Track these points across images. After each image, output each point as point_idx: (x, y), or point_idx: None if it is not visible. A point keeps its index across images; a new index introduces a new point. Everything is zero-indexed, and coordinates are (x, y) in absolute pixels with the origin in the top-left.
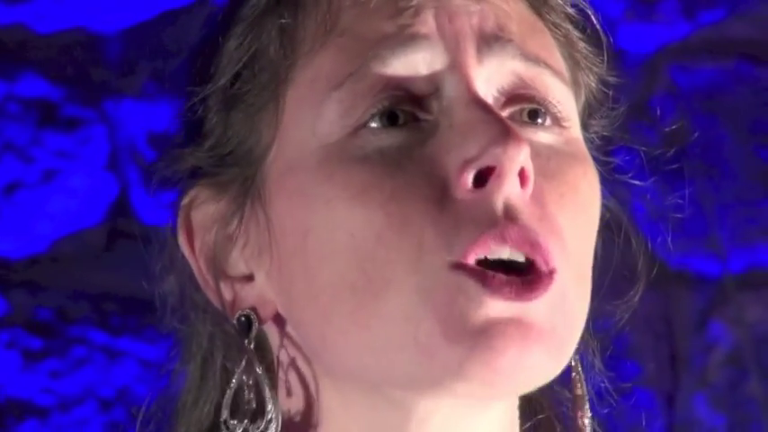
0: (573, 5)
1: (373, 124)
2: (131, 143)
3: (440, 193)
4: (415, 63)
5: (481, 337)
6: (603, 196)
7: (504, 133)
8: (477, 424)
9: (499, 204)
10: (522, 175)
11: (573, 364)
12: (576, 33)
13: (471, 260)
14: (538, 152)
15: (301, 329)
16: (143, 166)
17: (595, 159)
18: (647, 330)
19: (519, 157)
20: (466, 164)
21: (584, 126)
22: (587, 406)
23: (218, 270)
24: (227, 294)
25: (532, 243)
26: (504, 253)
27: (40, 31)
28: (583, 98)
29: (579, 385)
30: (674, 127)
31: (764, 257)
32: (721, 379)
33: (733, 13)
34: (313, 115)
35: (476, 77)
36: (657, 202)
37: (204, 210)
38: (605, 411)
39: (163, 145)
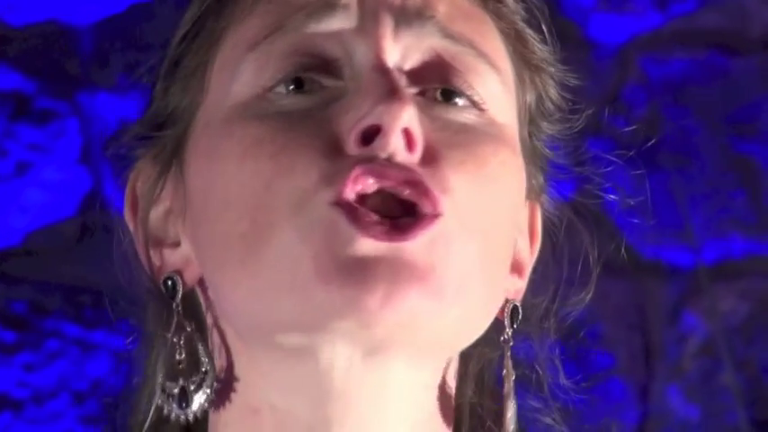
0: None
1: (281, 89)
2: (105, 136)
3: (330, 148)
4: (330, 30)
5: (351, 275)
6: (576, 188)
7: (390, 93)
8: (383, 391)
9: (383, 154)
10: (409, 138)
11: (507, 352)
12: (529, 33)
13: (349, 195)
14: (446, 126)
15: (210, 286)
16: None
17: (567, 151)
18: (621, 321)
19: (401, 115)
20: (353, 125)
21: (534, 125)
22: (511, 401)
23: (153, 238)
24: (157, 260)
25: (416, 183)
26: (377, 199)
27: (12, 23)
28: (529, 97)
29: (507, 375)
30: (645, 118)
31: (737, 248)
32: (695, 370)
33: (704, 3)
34: (230, 77)
35: (387, 48)
36: (630, 193)
37: (144, 179)
38: (578, 402)
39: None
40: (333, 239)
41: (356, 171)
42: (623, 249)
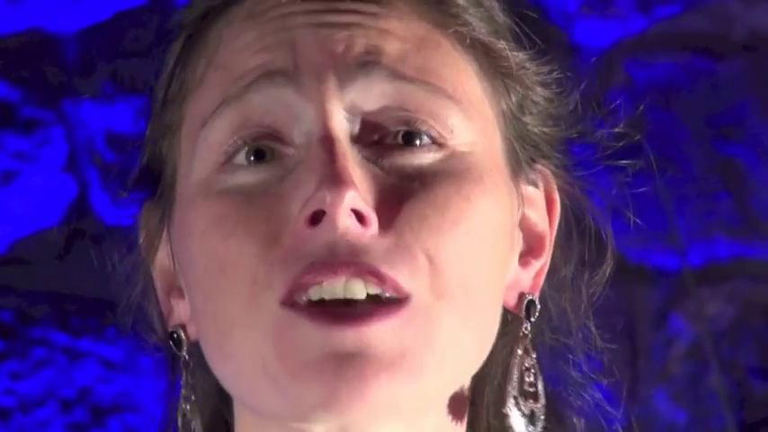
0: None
1: (237, 161)
2: (90, 144)
3: (278, 230)
4: (275, 98)
5: (318, 372)
6: (562, 190)
7: (332, 176)
8: None
9: (321, 247)
10: (358, 215)
11: (518, 356)
12: (499, 42)
13: (301, 297)
14: (402, 174)
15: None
16: (101, 167)
17: (551, 154)
18: (607, 325)
19: (342, 202)
20: (303, 206)
21: (520, 124)
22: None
23: (167, 284)
24: (166, 309)
25: (371, 272)
26: (338, 289)
27: None
28: (508, 103)
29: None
30: (630, 121)
31: (723, 251)
32: (682, 373)
33: (688, 7)
34: (190, 154)
35: (333, 110)
36: (615, 196)
37: (146, 225)
38: (566, 405)
39: (121, 146)
40: (293, 339)
41: (303, 276)
42: (609, 253)
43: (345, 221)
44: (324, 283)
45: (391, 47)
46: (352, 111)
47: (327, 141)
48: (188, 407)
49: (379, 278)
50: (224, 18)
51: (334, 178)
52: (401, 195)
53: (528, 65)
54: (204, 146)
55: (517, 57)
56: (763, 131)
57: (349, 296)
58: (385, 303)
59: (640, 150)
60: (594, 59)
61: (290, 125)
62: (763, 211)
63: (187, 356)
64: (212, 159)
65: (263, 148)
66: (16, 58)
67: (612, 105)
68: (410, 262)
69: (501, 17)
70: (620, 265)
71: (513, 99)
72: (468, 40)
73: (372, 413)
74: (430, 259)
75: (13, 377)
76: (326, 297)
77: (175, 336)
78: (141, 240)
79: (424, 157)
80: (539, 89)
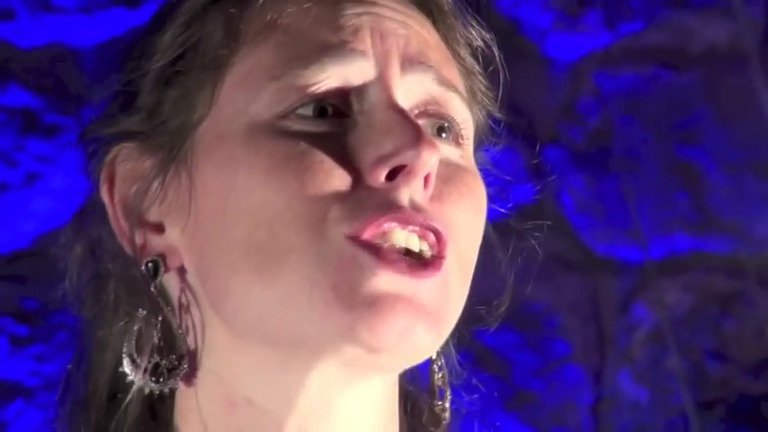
0: (475, 40)
1: (302, 111)
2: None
3: (351, 178)
4: (349, 72)
5: (372, 307)
6: (536, 191)
7: (419, 137)
8: (356, 399)
9: (405, 198)
10: (426, 177)
11: (434, 356)
12: (477, 68)
13: (368, 236)
14: (441, 159)
15: (208, 280)
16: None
17: (525, 157)
18: (576, 312)
19: (431, 161)
20: (380, 159)
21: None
22: (448, 393)
23: (134, 219)
24: (139, 240)
25: (433, 230)
26: (401, 237)
27: (21, 46)
28: (473, 127)
29: (439, 375)
30: (598, 128)
31: (682, 245)
32: (644, 356)
33: (650, 23)
34: (248, 98)
35: (396, 89)
36: (584, 196)
37: (127, 165)
38: (539, 386)
39: None
40: (354, 272)
41: (383, 219)
42: (578, 247)
43: (420, 181)
44: (394, 232)
45: (433, 55)
46: (405, 97)
47: (400, 111)
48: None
49: (437, 237)
50: None
51: (422, 140)
52: (439, 175)
53: (488, 94)
54: (273, 95)
55: (483, 84)
56: (718, 136)
57: (406, 246)
58: (430, 262)
59: (607, 153)
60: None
61: (355, 93)
62: (718, 209)
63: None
64: (278, 106)
65: (326, 105)
66: (39, 70)
67: (582, 113)
68: (450, 232)
69: (478, 44)
70: (587, 257)
71: (474, 128)
72: (461, 61)
73: (401, 356)
74: (456, 233)
75: (37, 359)
76: (386, 244)
77: (150, 265)
78: (108, 175)
79: (449, 150)
80: (484, 126)
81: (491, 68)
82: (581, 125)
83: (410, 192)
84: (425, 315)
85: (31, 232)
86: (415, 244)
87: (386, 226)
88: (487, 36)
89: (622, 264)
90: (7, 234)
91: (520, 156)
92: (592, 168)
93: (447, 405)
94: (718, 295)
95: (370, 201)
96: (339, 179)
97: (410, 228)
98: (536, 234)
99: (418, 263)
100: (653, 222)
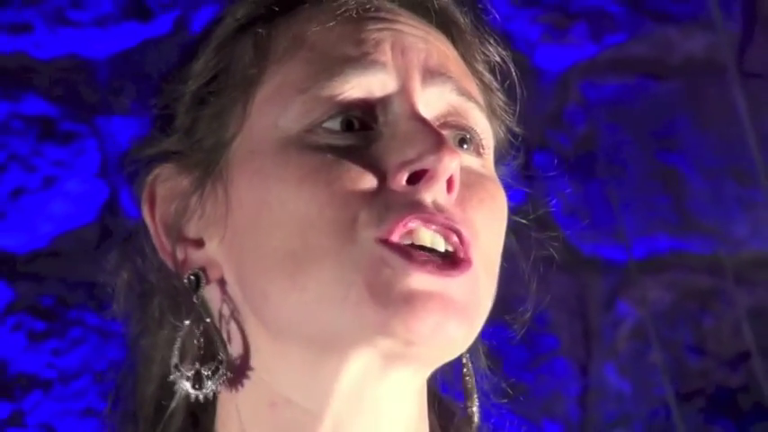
0: (492, 57)
1: (329, 125)
2: (119, 153)
3: (377, 183)
4: (371, 83)
5: (406, 304)
6: (526, 195)
7: (440, 144)
8: (389, 396)
9: (428, 199)
10: (449, 181)
11: (464, 361)
12: (495, 84)
13: (396, 237)
14: (462, 167)
15: (246, 288)
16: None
17: (515, 163)
18: (564, 309)
19: (451, 165)
20: (403, 164)
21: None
22: (475, 397)
23: (174, 235)
24: (180, 255)
25: (456, 231)
26: (427, 238)
27: (39, 57)
28: (493, 139)
29: (468, 379)
30: (584, 134)
31: (663, 245)
32: (627, 350)
33: (633, 35)
34: (277, 113)
35: (418, 100)
36: (571, 199)
37: (167, 185)
38: (529, 378)
39: None
40: (386, 272)
41: (408, 218)
42: (565, 247)
43: (442, 185)
44: (419, 232)
45: (453, 68)
46: (427, 107)
47: (422, 120)
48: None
49: (461, 239)
50: (304, 13)
51: (443, 145)
52: (462, 182)
53: (506, 109)
54: (300, 108)
55: (500, 100)
56: (697, 143)
57: (432, 246)
58: (459, 261)
59: (593, 159)
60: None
61: (379, 105)
62: (697, 212)
63: (198, 298)
64: (306, 120)
65: (353, 119)
66: (55, 80)
67: (568, 121)
68: (474, 237)
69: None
70: (574, 257)
71: (493, 142)
72: (480, 77)
73: (436, 349)
74: (479, 237)
75: (54, 353)
76: (414, 249)
77: (192, 278)
78: (149, 197)
79: (471, 159)
80: (503, 141)
81: (507, 83)
82: (568, 132)
83: (433, 195)
84: (456, 310)
85: (49, 233)
86: (441, 245)
87: (410, 225)
88: (504, 53)
89: (607, 263)
90: (26, 235)
91: (511, 162)
92: (578, 173)
93: (475, 408)
94: (697, 293)
95: (394, 202)
96: (366, 185)
97: (433, 227)
98: (531, 235)
99: (447, 262)
100: (636, 224)
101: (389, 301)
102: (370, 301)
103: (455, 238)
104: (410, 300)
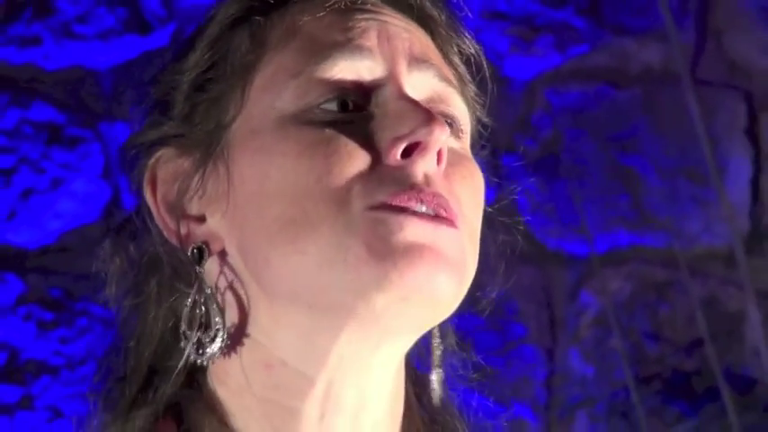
0: (467, 50)
1: (326, 106)
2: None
3: (371, 159)
4: (360, 67)
5: (403, 256)
6: (494, 194)
7: (431, 118)
8: (379, 360)
9: (420, 174)
10: (439, 153)
11: (435, 332)
12: (467, 77)
13: (388, 203)
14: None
15: (249, 257)
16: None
17: (487, 164)
18: (531, 299)
19: (442, 137)
20: (396, 140)
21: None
22: (440, 369)
23: (177, 213)
24: (183, 231)
25: (444, 207)
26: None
27: (47, 68)
28: (470, 125)
29: (438, 352)
30: (549, 138)
31: (622, 240)
32: (590, 337)
33: (595, 47)
34: (274, 96)
35: (405, 83)
36: (537, 197)
37: (168, 167)
38: (498, 363)
39: None
40: (382, 229)
41: (400, 197)
42: (532, 242)
43: (433, 157)
44: (411, 203)
45: (433, 57)
46: (412, 91)
47: (410, 100)
48: (205, 307)
49: (447, 211)
50: (297, 6)
51: (434, 119)
52: (447, 158)
53: (477, 100)
54: (294, 91)
55: (472, 91)
56: (654, 145)
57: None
58: (446, 218)
59: (557, 161)
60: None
61: (370, 89)
62: (654, 209)
63: (202, 269)
64: (301, 101)
65: (348, 100)
66: (62, 89)
67: (535, 126)
68: (458, 209)
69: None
70: (540, 251)
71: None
72: (455, 69)
73: (428, 300)
74: (463, 209)
75: (61, 341)
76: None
77: (195, 251)
78: (151, 178)
79: (452, 142)
80: (474, 130)
81: (480, 76)
82: (535, 136)
83: (425, 166)
84: (446, 264)
85: (56, 230)
86: (430, 212)
87: (402, 200)
88: (477, 47)
89: (571, 257)
90: (35, 232)
91: (481, 163)
92: (544, 174)
93: (437, 377)
94: (654, 284)
95: (388, 178)
96: (360, 160)
97: (424, 208)
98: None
99: (436, 217)
100: (597, 220)
101: (387, 254)
102: (368, 257)
103: (443, 213)
104: (407, 251)
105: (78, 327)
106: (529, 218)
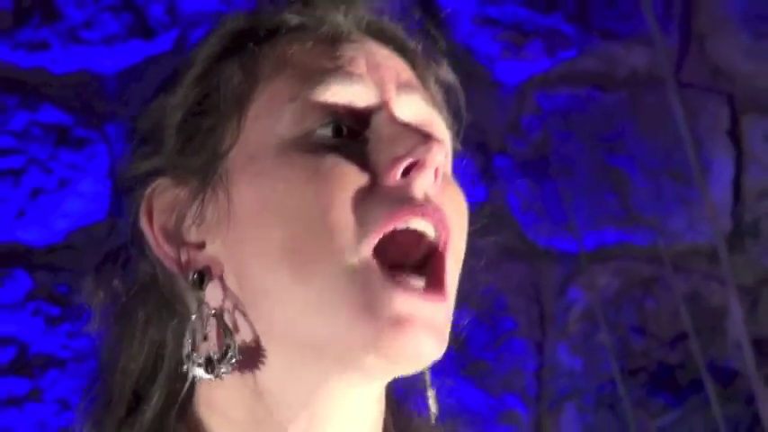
0: (444, 78)
1: (321, 132)
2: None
3: (371, 183)
4: (352, 93)
5: (395, 325)
6: (486, 194)
7: (427, 137)
8: (362, 399)
9: (420, 191)
10: (435, 171)
11: None
12: (444, 104)
13: (390, 228)
14: None
15: (246, 285)
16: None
17: (478, 165)
18: (522, 295)
19: (440, 155)
20: (396, 160)
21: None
22: (431, 394)
23: (176, 241)
24: (183, 258)
25: (442, 222)
26: (420, 225)
27: (55, 72)
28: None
29: (427, 372)
30: (539, 140)
31: (610, 238)
32: (578, 331)
33: (583, 51)
34: (272, 122)
35: (395, 108)
36: (528, 197)
37: (165, 197)
38: (490, 356)
39: None
40: (377, 294)
41: (402, 213)
42: (523, 240)
43: (431, 174)
44: (411, 221)
45: (415, 83)
46: (402, 115)
47: (402, 123)
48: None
49: (444, 229)
50: (285, 38)
51: (430, 138)
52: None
53: (453, 125)
54: (292, 115)
55: (449, 118)
56: (640, 146)
57: (424, 231)
58: (438, 288)
59: (547, 161)
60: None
61: (363, 114)
62: (640, 207)
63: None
64: (300, 126)
65: (342, 126)
66: (69, 92)
67: (525, 127)
68: (449, 223)
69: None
70: (531, 248)
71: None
72: (432, 96)
73: (414, 364)
74: (453, 227)
75: (68, 336)
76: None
77: (195, 277)
78: (147, 209)
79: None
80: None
81: (458, 105)
82: (525, 138)
83: (424, 184)
84: (436, 333)
85: (64, 229)
86: (431, 230)
87: (405, 222)
88: (453, 77)
89: (560, 253)
90: (44, 230)
91: (474, 164)
92: (534, 174)
93: (432, 395)
94: (640, 280)
95: (388, 197)
96: (363, 185)
97: (428, 219)
98: (487, 229)
99: (429, 289)
100: (585, 219)
101: (380, 320)
102: (363, 316)
103: (441, 227)
104: (399, 322)
105: (84, 322)
106: (519, 217)
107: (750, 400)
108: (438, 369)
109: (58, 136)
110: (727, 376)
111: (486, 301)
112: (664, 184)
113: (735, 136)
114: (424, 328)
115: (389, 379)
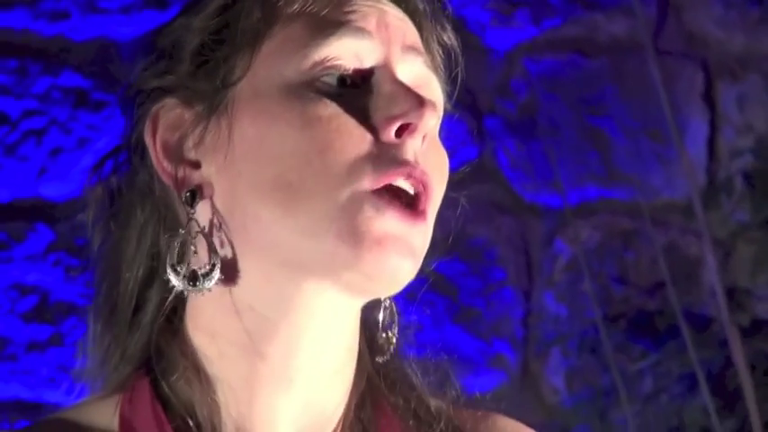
0: (447, 42)
1: (326, 79)
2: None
3: (368, 134)
4: (359, 47)
5: (377, 244)
6: (478, 152)
7: (422, 102)
8: (339, 312)
9: (411, 153)
10: (424, 135)
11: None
12: (442, 68)
13: (380, 185)
14: None
15: (237, 209)
16: None
17: (470, 125)
18: (510, 246)
19: (432, 120)
20: (390, 119)
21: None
22: (395, 327)
23: (175, 158)
24: (179, 174)
25: (424, 184)
26: (405, 185)
27: (75, 39)
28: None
29: (388, 312)
30: (526, 102)
31: (592, 194)
32: (563, 280)
33: (567, 19)
34: (282, 63)
35: (397, 68)
36: (516, 155)
37: (171, 115)
38: (480, 304)
39: None
40: (365, 215)
41: (395, 174)
42: (511, 195)
43: (420, 138)
44: (398, 180)
45: (421, 47)
46: (403, 75)
47: (400, 83)
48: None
49: (426, 189)
50: None
51: (425, 104)
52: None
53: (445, 86)
54: (300, 61)
55: (445, 81)
56: (621, 108)
57: (406, 189)
58: (420, 212)
59: (534, 122)
60: (501, 58)
61: (366, 69)
62: (621, 165)
63: (194, 212)
64: (305, 72)
65: (346, 76)
66: (88, 58)
67: (514, 90)
68: (431, 187)
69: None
70: (519, 203)
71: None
72: (433, 57)
73: (389, 283)
74: (434, 190)
75: (87, 285)
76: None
77: (188, 194)
78: (152, 123)
79: None
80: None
81: (456, 70)
82: (513, 100)
83: (414, 146)
84: (413, 255)
85: (83, 185)
86: (410, 189)
87: (396, 182)
88: (455, 41)
89: (546, 208)
90: (64, 186)
91: (466, 124)
92: (522, 134)
93: (392, 335)
94: (620, 232)
95: (383, 155)
96: (359, 136)
97: (411, 180)
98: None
99: (412, 210)
100: (569, 176)
101: (365, 239)
102: (348, 239)
103: (422, 188)
104: (382, 241)
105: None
106: (508, 174)
107: (723, 344)
108: (431, 315)
109: (77, 99)
110: (702, 322)
111: (476, 252)
112: (643, 144)
113: (709, 99)
114: (402, 250)
115: (365, 300)
